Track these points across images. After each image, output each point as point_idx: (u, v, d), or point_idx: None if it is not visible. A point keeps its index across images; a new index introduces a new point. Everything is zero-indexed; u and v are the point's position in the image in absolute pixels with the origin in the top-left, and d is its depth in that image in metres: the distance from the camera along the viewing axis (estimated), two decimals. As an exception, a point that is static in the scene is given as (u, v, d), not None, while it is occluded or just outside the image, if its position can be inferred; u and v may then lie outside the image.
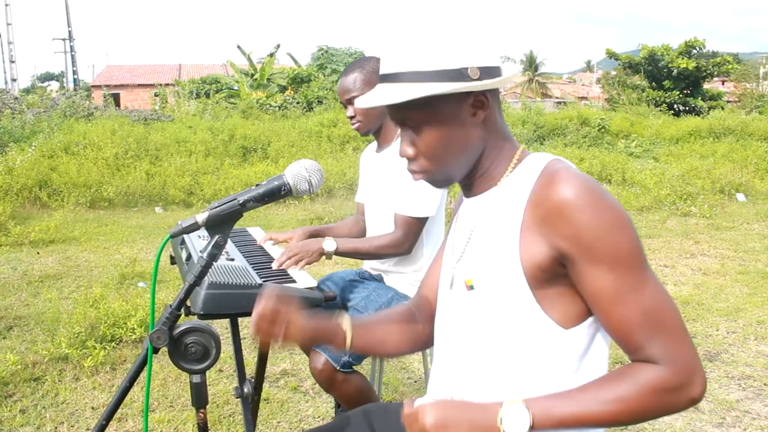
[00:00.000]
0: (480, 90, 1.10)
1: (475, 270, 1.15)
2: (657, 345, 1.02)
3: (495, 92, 1.14)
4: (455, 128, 1.12)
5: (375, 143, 2.48)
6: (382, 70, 1.13)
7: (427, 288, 1.40)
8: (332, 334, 1.28)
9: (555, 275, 1.08)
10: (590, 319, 1.10)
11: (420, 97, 1.06)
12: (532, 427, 1.00)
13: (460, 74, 1.07)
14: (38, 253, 6.02)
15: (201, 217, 1.11)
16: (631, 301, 1.03)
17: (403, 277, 2.35)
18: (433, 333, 1.33)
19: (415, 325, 1.40)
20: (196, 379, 1.13)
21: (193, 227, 1.10)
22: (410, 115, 1.11)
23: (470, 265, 1.17)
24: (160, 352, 1.24)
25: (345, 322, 1.29)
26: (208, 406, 1.28)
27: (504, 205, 1.13)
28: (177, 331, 1.08)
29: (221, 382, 3.24)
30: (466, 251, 1.19)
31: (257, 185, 1.17)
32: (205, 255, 1.12)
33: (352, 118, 2.31)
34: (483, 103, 1.12)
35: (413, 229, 2.22)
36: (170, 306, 1.08)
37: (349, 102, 2.29)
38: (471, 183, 1.21)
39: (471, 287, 1.16)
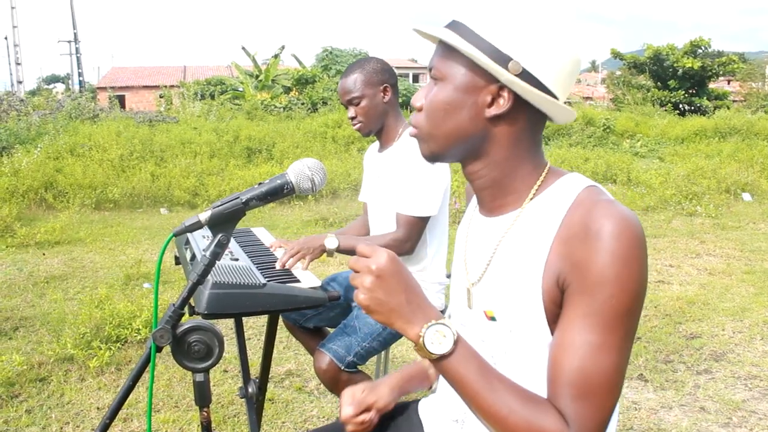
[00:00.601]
0: (507, 85, 1.04)
1: (497, 302, 1.11)
2: (575, 408, 0.96)
3: (527, 106, 1.07)
4: (463, 101, 1.07)
5: (377, 143, 2.48)
6: (456, 17, 1.10)
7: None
8: (418, 380, 1.39)
9: None
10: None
11: (454, 48, 1.05)
12: (440, 358, 0.98)
13: (501, 57, 1.04)
14: (44, 254, 6.04)
15: (204, 215, 1.11)
16: (582, 356, 0.96)
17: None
18: None
19: None
20: (199, 377, 1.13)
21: (196, 226, 1.10)
22: (442, 64, 1.09)
23: (491, 294, 1.12)
24: (164, 352, 1.24)
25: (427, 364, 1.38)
26: (212, 406, 1.29)
27: (528, 235, 1.07)
28: (180, 329, 1.08)
29: (226, 382, 3.24)
30: (486, 276, 1.14)
31: (260, 184, 1.17)
32: (208, 254, 1.12)
33: (353, 118, 2.31)
34: (503, 102, 1.06)
35: (415, 229, 2.22)
36: (173, 305, 1.08)
37: (350, 103, 2.29)
38: (486, 198, 1.15)
39: (492, 318, 1.12)
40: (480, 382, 0.98)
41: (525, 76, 1.04)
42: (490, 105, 1.07)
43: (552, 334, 1.04)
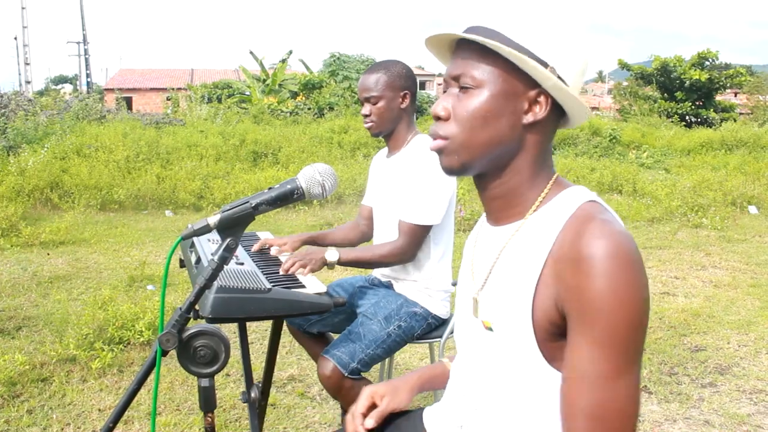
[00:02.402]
0: (547, 89, 1.05)
1: (493, 313, 1.11)
2: None
3: (555, 113, 1.09)
4: (503, 108, 1.06)
5: (386, 148, 2.48)
6: (480, 23, 1.08)
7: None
8: (440, 380, 1.38)
9: (566, 331, 1.01)
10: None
11: (486, 54, 1.04)
12: None
13: (541, 62, 1.04)
14: (48, 254, 6.04)
15: (213, 219, 1.10)
16: (593, 390, 0.95)
17: (412, 285, 2.34)
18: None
19: None
20: (205, 382, 1.12)
21: (205, 230, 1.10)
22: (475, 70, 1.06)
23: (489, 304, 1.12)
24: (167, 355, 1.24)
25: (447, 362, 1.39)
26: (214, 411, 1.28)
27: (527, 246, 1.07)
28: (186, 334, 1.07)
29: (228, 386, 3.23)
30: (487, 286, 1.14)
31: (270, 188, 1.16)
32: (216, 258, 1.11)
33: (366, 116, 2.31)
34: (540, 108, 1.07)
35: (416, 237, 2.21)
36: (180, 309, 1.07)
37: (367, 100, 2.29)
38: (495, 208, 1.14)
39: (489, 329, 1.11)
40: None
41: (560, 81, 1.05)
42: (527, 111, 1.07)
43: (540, 350, 1.03)
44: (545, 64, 1.04)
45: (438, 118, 1.11)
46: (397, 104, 2.29)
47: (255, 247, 2.29)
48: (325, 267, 2.16)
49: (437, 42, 1.14)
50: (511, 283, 1.07)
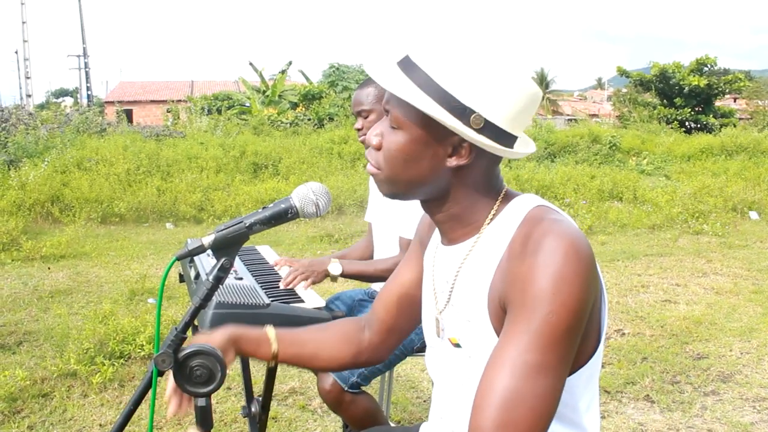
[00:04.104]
0: (469, 139, 1.01)
1: (458, 330, 1.10)
2: None
3: (485, 155, 1.05)
4: (423, 153, 1.05)
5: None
6: (409, 53, 1.06)
7: (380, 302, 1.36)
8: (256, 343, 1.26)
9: None
10: (577, 372, 1.04)
11: (409, 103, 1.01)
12: None
13: (462, 111, 1.00)
14: (49, 268, 6.04)
15: (207, 239, 1.11)
16: (514, 377, 0.92)
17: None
18: (385, 347, 1.36)
19: (361, 336, 1.36)
20: (201, 402, 1.12)
21: (200, 250, 1.10)
22: (395, 111, 1.05)
23: (454, 321, 1.12)
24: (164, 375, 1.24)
25: (270, 332, 1.28)
26: (215, 425, 1.28)
27: (483, 257, 1.07)
28: (182, 353, 1.07)
29: (229, 400, 3.22)
30: (449, 304, 1.13)
31: (264, 208, 1.17)
32: (211, 278, 1.11)
33: (359, 130, 2.32)
34: (464, 153, 1.04)
35: None
36: (176, 328, 1.07)
37: (359, 114, 2.30)
38: (445, 229, 1.14)
39: (457, 345, 1.11)
40: None
41: (487, 127, 1.01)
42: (451, 155, 1.05)
43: None
44: (469, 111, 1.00)
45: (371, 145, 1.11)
46: None
47: (278, 268, 2.25)
48: (329, 279, 2.17)
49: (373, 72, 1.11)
50: (470, 296, 1.07)
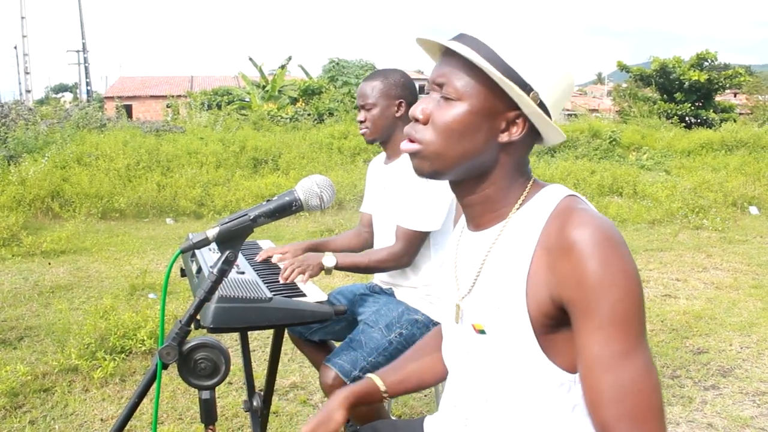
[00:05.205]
0: (527, 114, 1.06)
1: (485, 315, 1.11)
2: (631, 427, 0.95)
3: (532, 133, 1.09)
4: (480, 125, 1.06)
5: (383, 154, 2.48)
6: (469, 32, 1.07)
7: None
8: (368, 397, 1.33)
9: (561, 322, 1.03)
10: None
11: (483, 72, 1.03)
12: None
13: (524, 86, 1.04)
14: (49, 263, 6.05)
15: (211, 232, 1.11)
16: (611, 371, 0.96)
17: (413, 291, 2.34)
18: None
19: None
20: (206, 395, 1.12)
21: (204, 243, 1.10)
22: (458, 81, 1.06)
23: (479, 308, 1.13)
24: (168, 367, 1.24)
25: (377, 381, 1.34)
26: (217, 419, 1.29)
27: (513, 245, 1.08)
28: (186, 347, 1.07)
29: (230, 394, 3.23)
30: (474, 290, 1.14)
31: (268, 200, 1.17)
32: (215, 271, 1.11)
33: (361, 122, 2.33)
34: (516, 130, 1.08)
35: (413, 243, 2.22)
36: (180, 321, 1.07)
37: (362, 107, 2.32)
38: (475, 213, 1.15)
39: (482, 332, 1.11)
40: None
41: (541, 107, 1.06)
42: (504, 131, 1.08)
43: (539, 344, 1.04)
44: (529, 89, 1.04)
45: (416, 120, 1.11)
46: (392, 112, 2.31)
47: (259, 258, 2.29)
48: (323, 272, 2.17)
49: (427, 43, 1.15)
50: (501, 283, 1.08)
